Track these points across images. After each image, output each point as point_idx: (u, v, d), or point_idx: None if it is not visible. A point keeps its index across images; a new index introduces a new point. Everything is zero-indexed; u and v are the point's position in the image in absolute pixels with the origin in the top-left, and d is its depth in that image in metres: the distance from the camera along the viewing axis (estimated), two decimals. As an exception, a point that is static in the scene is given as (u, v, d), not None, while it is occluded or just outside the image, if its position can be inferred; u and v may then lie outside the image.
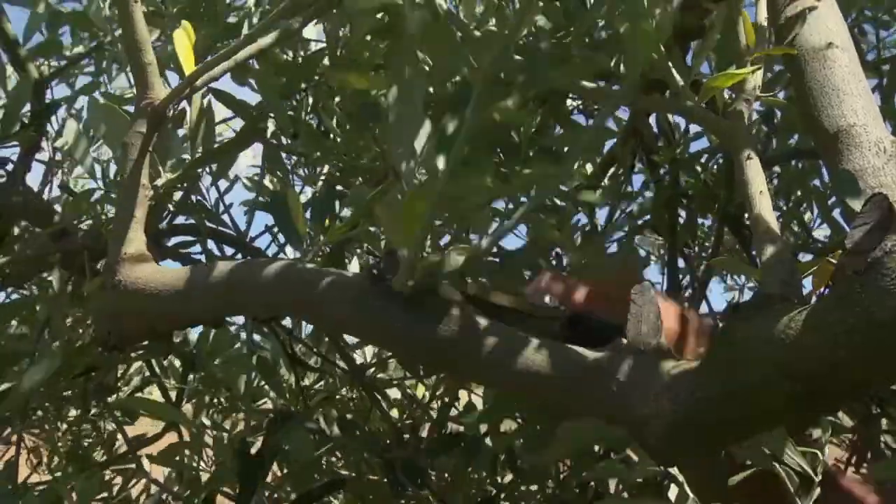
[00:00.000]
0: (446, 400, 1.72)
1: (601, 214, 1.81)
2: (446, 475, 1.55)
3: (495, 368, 0.79)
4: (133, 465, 1.97)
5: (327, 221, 1.09)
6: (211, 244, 1.63)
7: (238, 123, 1.81)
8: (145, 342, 1.32)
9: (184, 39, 1.02)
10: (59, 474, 2.01)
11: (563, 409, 0.80)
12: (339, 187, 1.63)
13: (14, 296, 1.86)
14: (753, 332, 0.67)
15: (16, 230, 1.76)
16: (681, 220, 1.77)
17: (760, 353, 0.66)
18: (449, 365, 0.84)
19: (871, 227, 0.62)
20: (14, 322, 1.80)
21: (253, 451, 1.39)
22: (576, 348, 0.78)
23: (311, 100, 1.57)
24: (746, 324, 0.68)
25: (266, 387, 1.70)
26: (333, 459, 1.64)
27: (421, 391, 1.90)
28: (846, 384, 0.65)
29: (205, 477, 1.65)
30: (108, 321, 0.97)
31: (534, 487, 1.59)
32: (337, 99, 1.59)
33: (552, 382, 0.76)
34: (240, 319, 1.71)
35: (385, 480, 1.47)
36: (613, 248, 1.73)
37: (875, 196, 0.65)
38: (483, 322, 0.81)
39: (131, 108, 1.71)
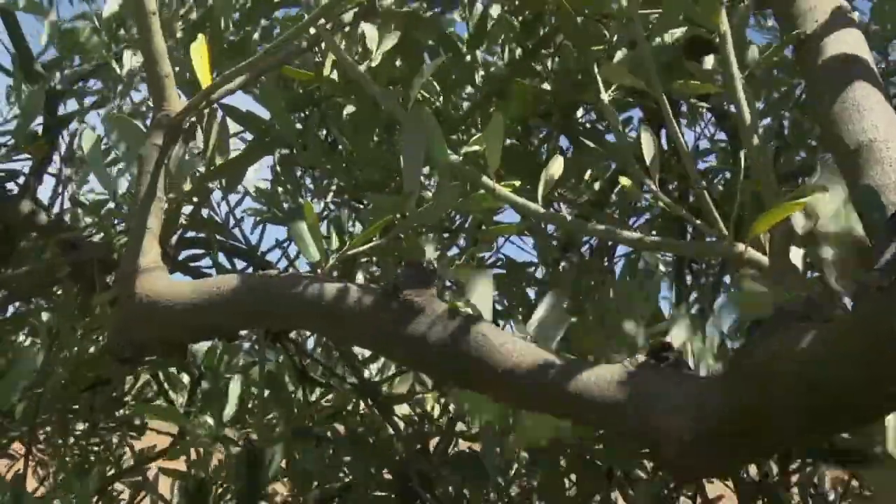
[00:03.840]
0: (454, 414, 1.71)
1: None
2: (451, 489, 1.54)
3: (512, 382, 0.79)
4: (140, 478, 1.97)
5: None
6: (221, 258, 1.63)
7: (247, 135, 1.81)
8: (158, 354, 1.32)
9: (200, 52, 1.02)
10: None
11: (582, 423, 0.79)
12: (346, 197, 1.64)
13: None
14: (776, 348, 0.67)
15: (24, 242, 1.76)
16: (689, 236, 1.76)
17: (784, 368, 0.66)
18: (465, 379, 0.83)
19: (893, 244, 0.62)
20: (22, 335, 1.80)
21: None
22: (597, 364, 0.78)
23: (319, 112, 1.58)
24: (769, 340, 0.68)
25: (274, 401, 1.70)
26: (341, 475, 1.63)
27: (430, 403, 1.89)
28: (869, 400, 0.64)
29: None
30: (123, 333, 0.97)
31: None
32: (347, 111, 1.59)
33: (571, 396, 0.76)
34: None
35: (393, 496, 1.46)
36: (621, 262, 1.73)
37: (896, 213, 0.65)
38: (500, 336, 0.80)
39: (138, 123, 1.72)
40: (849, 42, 0.86)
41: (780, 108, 1.51)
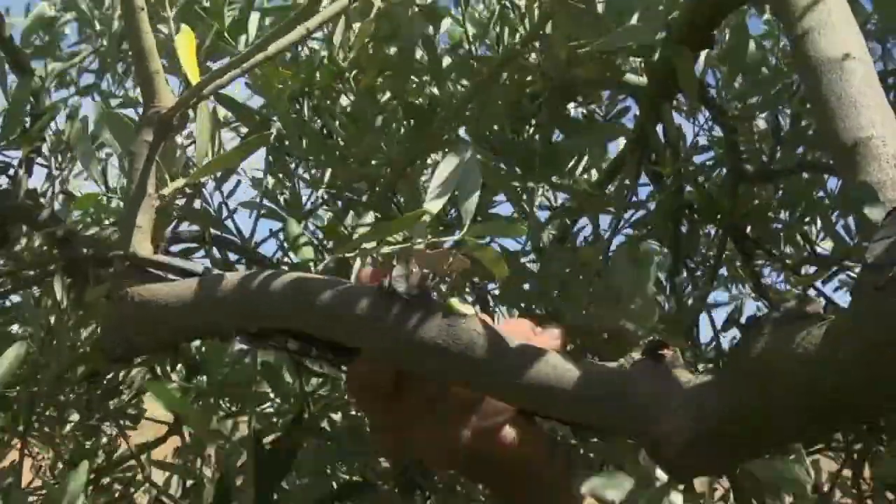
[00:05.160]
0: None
1: (604, 222, 1.79)
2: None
3: (507, 380, 0.78)
4: (134, 470, 1.97)
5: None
6: (215, 251, 1.62)
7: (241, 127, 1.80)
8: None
9: (186, 44, 1.01)
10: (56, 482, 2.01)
11: (583, 423, 0.79)
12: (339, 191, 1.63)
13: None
14: (774, 346, 0.66)
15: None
16: (684, 231, 1.76)
17: (784, 367, 0.65)
18: (459, 378, 0.83)
19: (892, 242, 0.62)
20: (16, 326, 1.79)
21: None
22: (592, 361, 0.77)
23: (314, 102, 1.57)
24: (766, 338, 0.67)
25: (269, 392, 1.69)
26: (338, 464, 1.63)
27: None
28: (869, 400, 0.64)
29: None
30: (115, 332, 0.96)
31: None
32: (342, 102, 1.58)
33: (567, 396, 0.76)
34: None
35: (392, 486, 1.46)
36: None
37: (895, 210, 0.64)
38: (496, 333, 0.80)
39: (128, 110, 1.71)
40: (846, 36, 0.85)
41: (779, 102, 1.50)
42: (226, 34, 1.48)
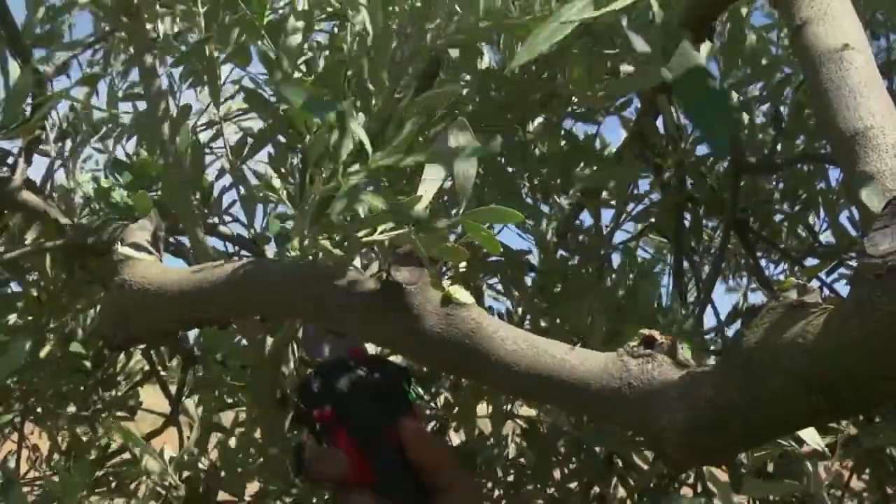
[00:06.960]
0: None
1: (606, 216, 1.78)
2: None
3: (508, 371, 0.78)
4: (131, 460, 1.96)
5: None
6: (217, 241, 1.62)
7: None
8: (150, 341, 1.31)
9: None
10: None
11: (581, 413, 0.79)
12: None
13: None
14: (773, 336, 0.66)
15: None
16: (686, 224, 1.76)
17: (781, 357, 0.65)
18: (460, 368, 0.83)
19: (891, 230, 0.62)
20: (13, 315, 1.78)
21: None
22: (592, 352, 0.77)
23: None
24: (765, 328, 0.67)
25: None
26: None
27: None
28: (867, 393, 0.64)
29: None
30: (113, 320, 0.96)
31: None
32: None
33: (566, 388, 0.75)
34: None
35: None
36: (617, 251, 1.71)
37: (895, 199, 0.64)
38: (495, 324, 0.80)
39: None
40: (845, 26, 0.85)
41: (781, 93, 1.50)
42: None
